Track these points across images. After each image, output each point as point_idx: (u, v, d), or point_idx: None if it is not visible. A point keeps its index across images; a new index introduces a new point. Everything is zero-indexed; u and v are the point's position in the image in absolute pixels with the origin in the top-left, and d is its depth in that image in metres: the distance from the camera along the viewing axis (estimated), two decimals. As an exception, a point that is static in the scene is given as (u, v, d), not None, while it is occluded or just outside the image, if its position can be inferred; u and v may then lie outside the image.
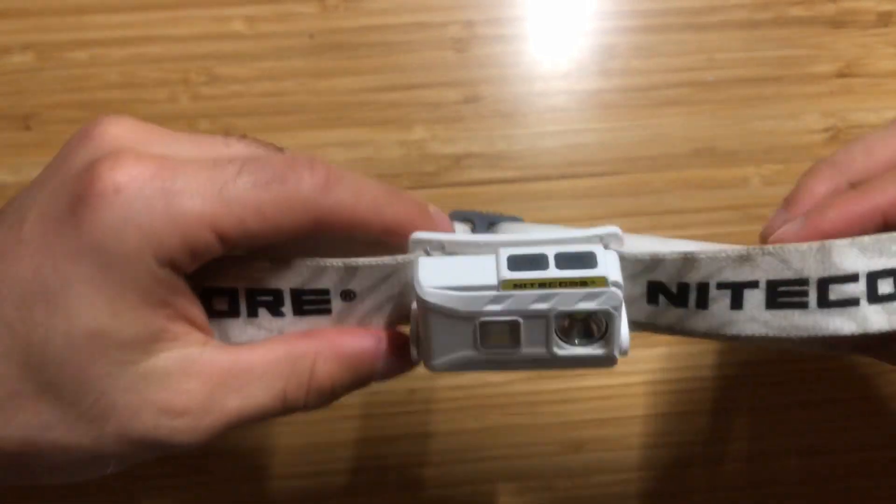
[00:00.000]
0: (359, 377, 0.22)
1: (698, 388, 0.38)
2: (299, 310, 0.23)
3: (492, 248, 0.22)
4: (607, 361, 0.22)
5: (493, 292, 0.21)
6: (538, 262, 0.21)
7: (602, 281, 0.21)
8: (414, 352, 0.23)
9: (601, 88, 0.39)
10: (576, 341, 0.22)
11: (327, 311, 0.23)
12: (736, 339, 0.24)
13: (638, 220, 0.38)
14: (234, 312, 0.23)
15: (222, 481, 0.36)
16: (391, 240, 0.22)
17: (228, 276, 0.23)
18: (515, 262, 0.21)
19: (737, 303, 0.23)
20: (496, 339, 0.22)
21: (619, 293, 0.21)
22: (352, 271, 0.23)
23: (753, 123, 0.39)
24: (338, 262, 0.22)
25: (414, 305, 0.23)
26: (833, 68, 0.40)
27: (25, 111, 0.38)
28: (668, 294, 0.24)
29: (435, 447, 0.37)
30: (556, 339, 0.22)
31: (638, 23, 0.40)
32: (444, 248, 0.22)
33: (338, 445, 0.37)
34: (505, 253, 0.21)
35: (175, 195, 0.19)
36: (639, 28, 0.40)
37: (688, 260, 0.23)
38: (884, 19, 0.40)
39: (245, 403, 0.21)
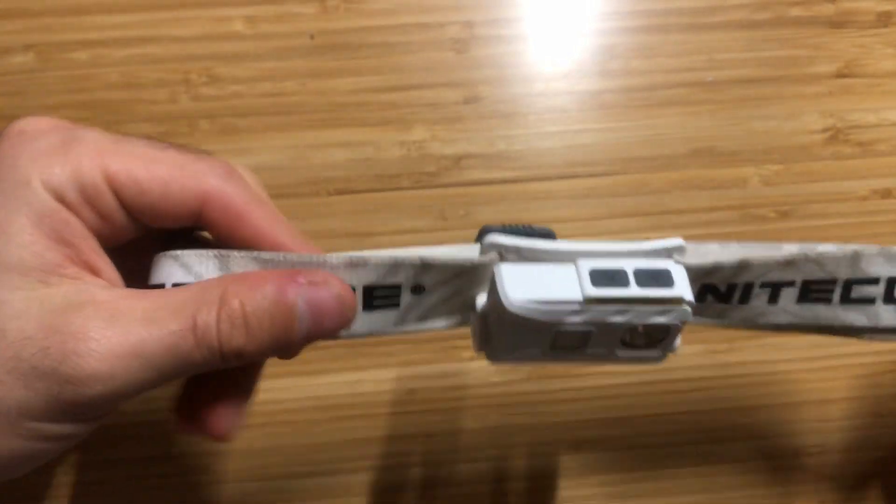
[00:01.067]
0: (276, 309, 0.20)
1: (698, 387, 0.38)
2: (369, 304, 0.23)
3: (569, 257, 0.23)
4: (656, 360, 0.24)
5: (577, 307, 0.22)
6: (619, 278, 0.22)
7: (679, 301, 0.22)
8: (476, 344, 0.24)
9: (601, 89, 0.40)
10: (640, 344, 0.23)
11: (396, 306, 0.24)
12: (765, 327, 0.27)
13: (638, 221, 0.38)
14: None
15: (222, 481, 0.36)
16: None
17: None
18: (598, 278, 0.22)
19: (774, 299, 0.26)
20: (564, 343, 0.23)
21: (690, 311, 0.23)
22: (427, 268, 0.23)
23: (753, 123, 0.39)
24: (415, 258, 0.23)
25: (479, 301, 0.24)
26: (832, 68, 0.40)
27: (26, 112, 0.38)
28: (716, 293, 0.26)
29: (435, 447, 0.37)
30: (619, 344, 0.23)
31: (638, 23, 0.40)
32: (519, 253, 0.23)
33: (338, 445, 0.37)
34: (585, 266, 0.22)
35: (72, 139, 0.20)
36: (639, 28, 0.40)
37: (742, 266, 0.25)
38: (883, 19, 0.41)
39: (153, 330, 0.19)
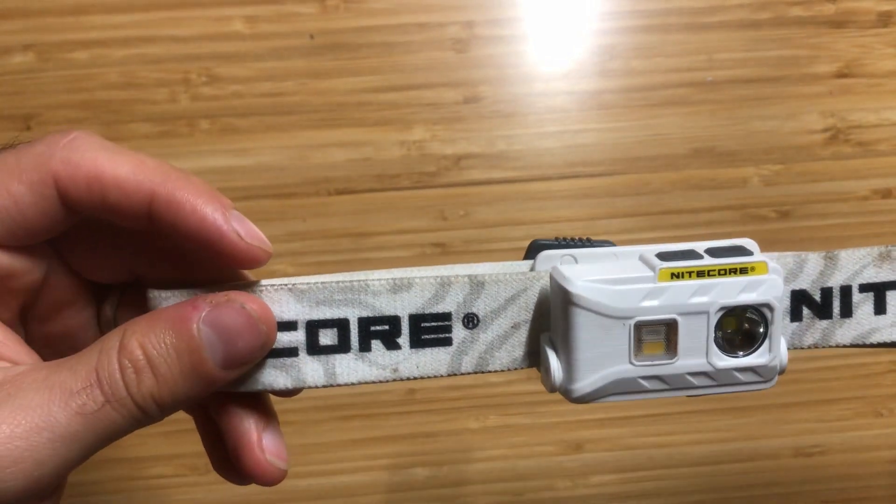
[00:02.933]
0: (180, 342, 0.18)
1: (698, 388, 0.38)
2: (417, 340, 0.21)
3: (632, 255, 0.21)
4: (766, 376, 0.21)
5: (650, 284, 0.19)
6: (690, 255, 0.20)
7: (763, 267, 0.19)
8: (550, 380, 0.21)
9: (601, 89, 0.40)
10: (739, 353, 0.20)
11: (447, 342, 0.21)
12: (882, 346, 0.24)
13: (638, 220, 0.38)
14: (343, 347, 0.21)
15: (222, 481, 0.36)
16: (165, 216, 0.18)
17: (338, 301, 0.21)
18: (666, 257, 0.20)
19: (880, 307, 0.23)
20: (651, 349, 0.20)
21: (780, 281, 0.20)
22: (478, 287, 0.21)
23: (753, 123, 0.39)
24: (463, 274, 0.21)
25: (545, 337, 0.21)
26: (832, 68, 0.40)
27: (26, 111, 0.38)
28: (812, 305, 0.23)
29: (435, 447, 0.37)
30: (715, 347, 0.20)
31: (637, 23, 0.40)
32: (576, 262, 0.21)
33: (338, 445, 0.37)
34: (651, 252, 0.20)
35: None
36: (638, 28, 0.40)
37: (829, 258, 0.22)
38: (883, 19, 0.40)
39: (55, 397, 0.17)
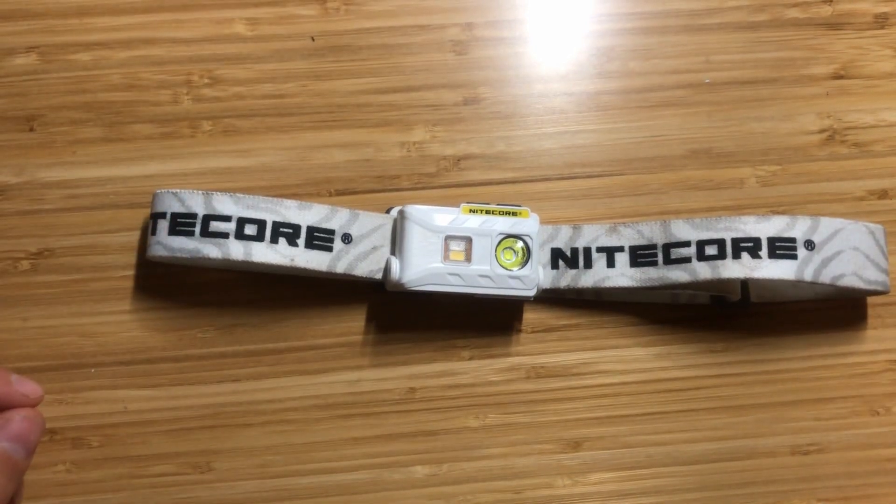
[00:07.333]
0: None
1: (695, 386, 0.38)
2: (310, 243, 0.32)
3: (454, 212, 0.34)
4: (527, 284, 0.33)
5: (456, 214, 0.33)
6: (484, 204, 0.33)
7: (526, 213, 0.34)
8: (390, 280, 0.32)
9: (599, 90, 0.40)
10: (513, 269, 0.33)
11: (329, 249, 0.32)
12: (612, 291, 0.35)
13: (636, 221, 0.39)
14: (260, 238, 0.31)
15: (224, 479, 0.37)
16: None
17: (261, 208, 0.31)
18: (469, 206, 0.33)
19: (611, 262, 0.34)
20: (455, 256, 0.32)
21: (536, 224, 0.33)
22: (354, 217, 0.33)
23: (750, 125, 0.40)
24: (345, 209, 0.33)
25: (393, 257, 0.33)
26: (829, 70, 0.40)
27: (29, 113, 0.38)
28: (565, 258, 0.35)
29: (435, 447, 0.37)
30: (496, 261, 0.32)
31: (636, 25, 0.40)
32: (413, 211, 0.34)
33: (338, 443, 0.37)
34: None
35: None
36: (636, 30, 0.40)
37: (576, 229, 0.35)
38: (880, 21, 0.41)
39: None
